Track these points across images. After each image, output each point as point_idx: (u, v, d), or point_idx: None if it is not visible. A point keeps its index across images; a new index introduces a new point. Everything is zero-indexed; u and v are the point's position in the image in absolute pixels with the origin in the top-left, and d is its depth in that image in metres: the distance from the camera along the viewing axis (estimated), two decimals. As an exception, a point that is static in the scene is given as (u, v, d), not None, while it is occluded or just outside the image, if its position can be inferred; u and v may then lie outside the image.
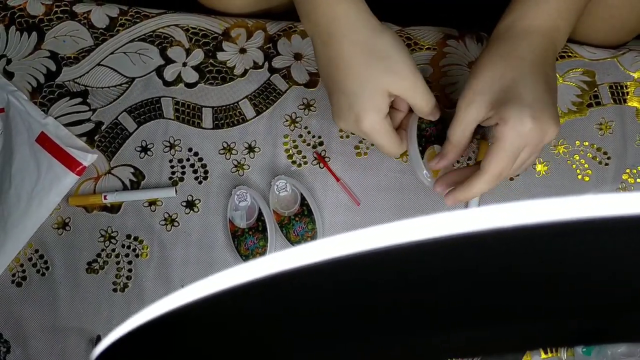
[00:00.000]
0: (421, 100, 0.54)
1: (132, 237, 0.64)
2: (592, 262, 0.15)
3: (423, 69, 0.67)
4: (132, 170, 0.65)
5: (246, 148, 0.65)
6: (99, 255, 0.64)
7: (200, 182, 0.65)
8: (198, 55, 0.68)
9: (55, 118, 0.66)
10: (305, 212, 0.62)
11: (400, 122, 0.60)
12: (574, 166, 0.64)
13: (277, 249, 0.64)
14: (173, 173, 0.65)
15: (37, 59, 0.68)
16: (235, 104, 0.67)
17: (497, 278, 0.15)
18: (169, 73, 0.68)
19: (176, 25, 0.69)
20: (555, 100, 0.53)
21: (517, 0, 0.54)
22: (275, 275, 0.16)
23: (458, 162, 0.64)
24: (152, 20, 0.69)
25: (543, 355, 0.61)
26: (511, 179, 0.64)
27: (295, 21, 0.68)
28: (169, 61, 0.68)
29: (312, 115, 0.66)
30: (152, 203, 0.65)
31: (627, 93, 0.66)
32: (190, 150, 0.66)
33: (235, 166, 0.65)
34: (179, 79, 0.67)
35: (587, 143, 0.65)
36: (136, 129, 0.66)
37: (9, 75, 0.68)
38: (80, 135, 0.66)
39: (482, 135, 0.64)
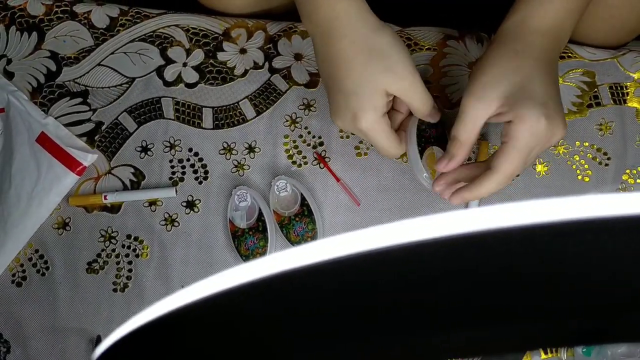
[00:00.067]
0: (419, 101, 0.54)
1: (132, 237, 0.64)
2: (592, 262, 0.15)
3: (423, 69, 0.67)
4: (132, 170, 0.65)
5: (246, 148, 0.65)
6: (99, 255, 0.64)
7: (200, 182, 0.65)
8: (198, 56, 0.68)
9: (56, 118, 0.66)
10: (305, 212, 0.62)
11: (400, 123, 0.60)
12: (574, 167, 0.64)
13: (278, 249, 0.64)
14: (173, 173, 0.65)
15: (38, 59, 0.68)
16: (236, 104, 0.67)
17: (497, 278, 0.15)
18: (169, 73, 0.68)
19: (176, 26, 0.69)
20: (561, 100, 0.52)
21: (519, 3, 0.53)
22: (275, 275, 0.16)
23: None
24: (152, 20, 0.69)
25: (543, 356, 0.61)
26: (511, 179, 0.64)
27: (296, 21, 0.68)
28: (169, 61, 0.68)
29: (312, 115, 0.66)
30: (152, 203, 0.65)
31: (627, 94, 0.66)
32: (190, 150, 0.66)
33: (236, 166, 0.65)
34: (179, 79, 0.67)
35: (587, 143, 0.65)
36: (136, 129, 0.66)
37: (9, 75, 0.68)
38: (80, 135, 0.66)
39: (482, 135, 0.64)
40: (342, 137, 0.66)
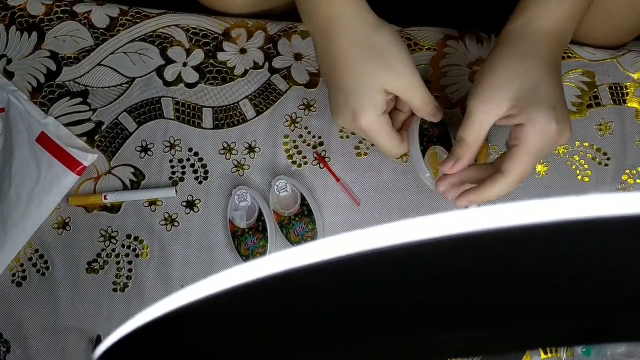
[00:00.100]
0: (419, 100, 0.53)
1: (133, 237, 0.64)
2: (592, 262, 0.15)
3: (423, 69, 0.67)
4: (132, 170, 0.65)
5: (246, 148, 0.65)
6: (99, 255, 0.64)
7: (200, 182, 0.65)
8: (198, 56, 0.68)
9: (56, 118, 0.66)
10: (305, 212, 0.62)
11: (402, 123, 0.59)
12: (573, 167, 0.64)
13: (278, 249, 0.64)
14: (173, 173, 0.65)
15: (38, 59, 0.68)
16: (236, 104, 0.67)
17: (497, 278, 0.15)
18: (170, 73, 0.68)
19: (177, 26, 0.69)
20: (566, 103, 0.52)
21: (533, 1, 0.53)
22: (275, 275, 0.16)
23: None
24: (152, 20, 0.69)
25: (543, 356, 0.61)
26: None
27: (296, 22, 0.68)
28: (169, 61, 0.68)
29: (312, 115, 0.66)
30: (152, 203, 0.65)
31: (627, 94, 0.66)
32: (190, 150, 0.66)
33: (236, 166, 0.65)
34: (179, 79, 0.68)
35: (587, 144, 0.65)
36: (136, 129, 0.66)
37: (10, 75, 0.68)
38: (80, 135, 0.66)
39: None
40: (342, 138, 0.66)
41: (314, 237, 0.63)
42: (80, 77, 0.68)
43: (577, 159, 0.65)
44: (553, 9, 0.51)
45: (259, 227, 0.62)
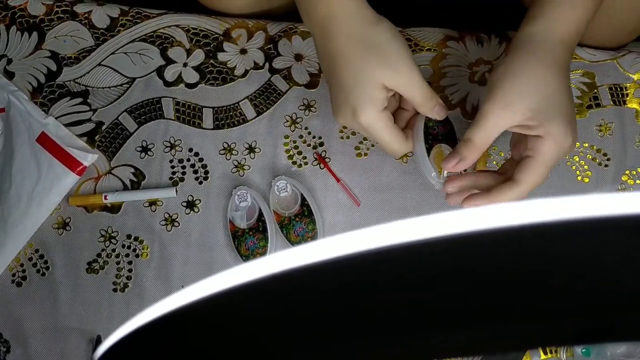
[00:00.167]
0: (419, 96, 0.52)
1: (133, 237, 0.64)
2: (588, 262, 0.15)
3: (423, 70, 0.67)
4: (132, 170, 0.66)
5: (247, 148, 0.66)
6: (99, 255, 0.64)
7: (200, 183, 0.65)
8: (199, 56, 0.68)
9: (56, 118, 0.66)
10: (305, 212, 0.62)
11: (407, 122, 0.59)
12: (573, 167, 0.65)
13: (278, 250, 0.64)
14: (173, 173, 0.65)
15: (38, 59, 0.68)
16: (236, 104, 0.67)
17: (494, 278, 0.16)
18: (170, 73, 0.68)
19: (177, 26, 0.69)
20: None
21: (548, 5, 0.52)
22: (274, 275, 0.16)
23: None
24: (152, 20, 0.69)
25: (542, 356, 0.61)
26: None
27: (296, 22, 0.69)
28: (169, 61, 0.68)
29: (312, 115, 0.66)
30: (152, 203, 0.65)
31: (627, 94, 0.66)
32: (190, 150, 0.66)
33: (236, 166, 0.65)
34: (179, 80, 0.68)
35: (586, 144, 0.65)
36: (137, 129, 0.66)
37: (10, 75, 0.68)
38: (80, 135, 0.66)
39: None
40: (342, 138, 0.66)
41: (314, 237, 0.63)
42: (81, 77, 0.68)
43: (577, 159, 0.65)
44: (567, 13, 0.51)
45: (259, 227, 0.62)
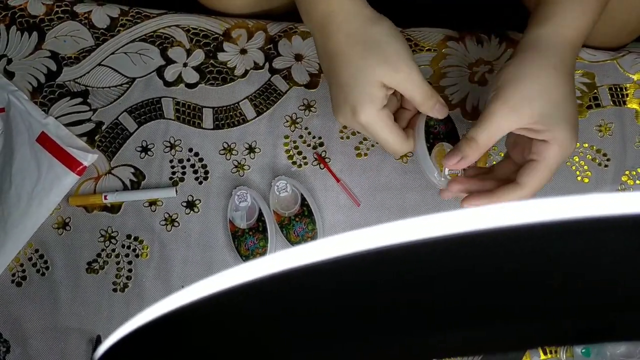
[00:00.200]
0: (418, 94, 0.52)
1: (132, 237, 0.64)
2: (586, 261, 0.15)
3: (423, 70, 0.67)
4: (132, 170, 0.66)
5: (246, 148, 0.66)
6: (99, 255, 0.64)
7: (200, 183, 0.65)
8: (199, 56, 0.68)
9: (56, 118, 0.66)
10: (305, 212, 0.62)
11: (408, 121, 0.58)
12: (573, 167, 0.65)
13: (277, 250, 0.64)
14: (173, 173, 0.65)
15: (38, 59, 0.68)
16: (236, 104, 0.67)
17: (493, 278, 0.16)
18: (170, 73, 0.68)
19: (177, 26, 0.69)
20: None
21: (559, 7, 0.51)
22: (273, 275, 0.16)
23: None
24: (152, 20, 0.69)
25: (542, 357, 0.61)
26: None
27: (296, 22, 0.69)
28: (169, 61, 0.68)
29: (312, 116, 0.66)
30: (152, 203, 0.65)
31: (627, 95, 0.66)
32: (190, 150, 0.66)
33: (236, 166, 0.65)
34: (179, 80, 0.68)
35: (586, 145, 0.65)
36: (137, 129, 0.66)
37: (10, 75, 0.68)
38: (80, 135, 0.66)
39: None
40: (342, 138, 0.66)
41: (313, 238, 0.63)
42: (81, 77, 0.68)
43: (577, 159, 0.65)
44: (578, 17, 0.51)
45: (258, 227, 0.62)
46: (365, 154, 0.65)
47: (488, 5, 0.73)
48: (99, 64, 0.68)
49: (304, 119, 0.66)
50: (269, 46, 0.68)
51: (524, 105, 0.49)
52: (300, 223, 0.62)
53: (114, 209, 0.65)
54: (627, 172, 0.64)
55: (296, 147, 0.65)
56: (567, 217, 0.14)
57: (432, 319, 0.16)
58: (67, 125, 0.66)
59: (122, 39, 0.69)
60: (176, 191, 0.64)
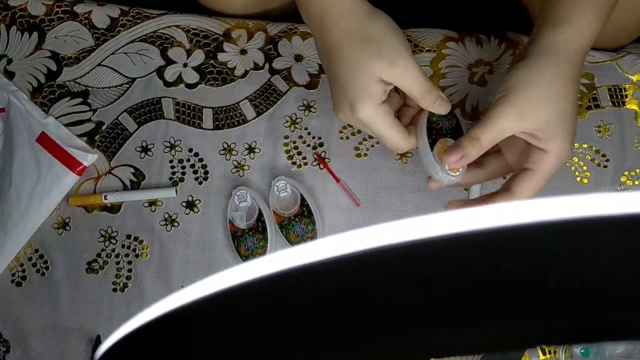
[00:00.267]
0: (417, 87, 0.51)
1: (132, 237, 0.64)
2: (587, 261, 0.15)
3: (422, 70, 0.67)
4: (132, 170, 0.66)
5: (246, 149, 0.66)
6: (99, 255, 0.64)
7: (200, 183, 0.65)
8: (199, 56, 0.68)
9: (56, 118, 0.66)
10: (305, 212, 0.62)
11: (411, 118, 0.58)
12: (572, 168, 0.65)
13: (277, 250, 0.64)
14: (173, 173, 0.65)
15: (38, 59, 0.68)
16: (236, 104, 0.67)
17: (493, 278, 0.16)
18: (170, 74, 0.68)
19: (177, 26, 0.69)
20: None
21: (574, 13, 0.50)
22: (271, 275, 0.16)
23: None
24: (153, 20, 0.69)
25: (541, 357, 0.61)
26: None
27: (296, 22, 0.69)
28: (169, 62, 0.68)
29: (312, 116, 0.66)
30: (152, 203, 0.65)
31: (626, 96, 0.66)
32: (190, 150, 0.66)
33: (236, 167, 0.65)
34: (179, 80, 0.68)
35: (585, 145, 0.65)
36: (137, 129, 0.66)
37: (10, 75, 0.68)
38: (80, 135, 0.66)
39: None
40: (342, 139, 0.66)
41: (313, 238, 0.63)
42: (81, 77, 0.68)
43: (576, 160, 0.65)
44: (590, 24, 0.50)
45: (258, 228, 0.62)
46: (365, 155, 0.65)
47: (487, 6, 0.73)
48: (99, 64, 0.68)
49: (304, 120, 0.66)
50: (269, 46, 0.68)
51: (532, 111, 0.48)
52: (299, 223, 0.62)
53: (114, 209, 0.65)
54: (626, 173, 0.64)
55: (296, 148, 0.66)
56: (566, 217, 0.15)
57: (430, 319, 0.17)
58: (67, 125, 0.66)
59: (122, 39, 0.69)
60: (176, 191, 0.65)
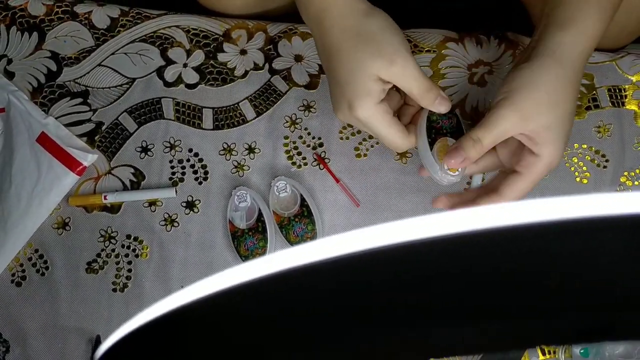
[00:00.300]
0: (416, 86, 0.50)
1: (132, 237, 0.64)
2: (587, 261, 0.15)
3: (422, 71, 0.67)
4: (132, 170, 0.66)
5: (246, 149, 0.66)
6: (98, 255, 0.64)
7: (200, 183, 0.65)
8: (199, 57, 0.68)
9: (56, 118, 0.66)
10: (305, 213, 0.62)
11: (412, 117, 0.57)
12: (572, 169, 0.65)
13: (277, 250, 0.64)
14: (173, 173, 0.65)
15: (38, 59, 0.68)
16: (236, 105, 0.67)
17: (492, 278, 0.16)
18: (170, 74, 0.68)
19: (177, 26, 0.69)
20: None
21: (580, 15, 0.50)
22: (270, 275, 0.16)
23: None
24: (153, 21, 0.69)
25: (541, 357, 0.61)
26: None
27: (296, 23, 0.69)
28: (169, 62, 0.68)
29: (312, 116, 0.66)
30: (152, 203, 0.65)
31: (626, 96, 0.66)
32: (190, 150, 0.66)
33: (236, 167, 0.65)
34: (179, 80, 0.68)
35: (585, 146, 0.65)
36: (136, 129, 0.66)
37: (10, 75, 0.68)
38: (80, 136, 0.66)
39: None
40: (341, 139, 0.66)
41: (313, 238, 0.63)
42: (81, 77, 0.68)
43: (576, 160, 0.65)
44: (594, 26, 0.50)
45: (258, 228, 0.62)
46: (365, 155, 0.65)
47: (487, 7, 0.73)
48: (99, 65, 0.68)
49: (304, 120, 0.66)
50: (268, 47, 0.68)
51: (533, 114, 0.48)
52: (299, 223, 0.62)
53: (114, 209, 0.65)
54: (625, 173, 0.64)
55: (296, 148, 0.66)
56: (565, 217, 0.15)
57: (430, 319, 0.17)
58: (67, 125, 0.66)
59: (122, 40, 0.69)
60: (176, 191, 0.65)
